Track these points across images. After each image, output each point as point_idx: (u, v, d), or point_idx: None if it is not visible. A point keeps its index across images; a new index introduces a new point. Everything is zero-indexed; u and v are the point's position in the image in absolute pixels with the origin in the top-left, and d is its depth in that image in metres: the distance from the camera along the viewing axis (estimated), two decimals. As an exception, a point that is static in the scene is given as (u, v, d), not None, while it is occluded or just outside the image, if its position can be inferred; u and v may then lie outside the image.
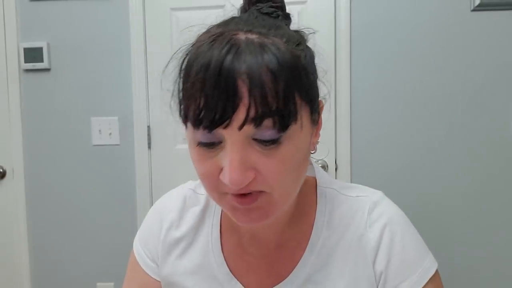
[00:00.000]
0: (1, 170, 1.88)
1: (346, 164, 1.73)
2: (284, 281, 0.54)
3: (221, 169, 0.43)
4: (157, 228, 0.60)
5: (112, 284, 1.86)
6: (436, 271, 0.54)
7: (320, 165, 1.70)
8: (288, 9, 0.55)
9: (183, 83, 0.44)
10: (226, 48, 0.41)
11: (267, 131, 0.41)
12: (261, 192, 0.44)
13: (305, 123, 0.45)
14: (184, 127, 0.47)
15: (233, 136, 0.41)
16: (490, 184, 1.69)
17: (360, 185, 0.61)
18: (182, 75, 0.45)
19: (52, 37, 1.84)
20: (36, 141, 1.87)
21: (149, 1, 1.79)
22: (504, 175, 1.68)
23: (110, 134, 1.83)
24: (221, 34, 0.43)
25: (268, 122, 0.40)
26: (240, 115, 0.39)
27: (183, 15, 1.76)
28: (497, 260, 1.69)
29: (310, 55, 0.49)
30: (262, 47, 0.42)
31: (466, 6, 1.66)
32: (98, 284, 1.87)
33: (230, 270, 0.56)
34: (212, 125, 0.40)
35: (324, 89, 0.52)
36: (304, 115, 0.45)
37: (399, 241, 0.53)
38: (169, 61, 0.47)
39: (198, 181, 0.63)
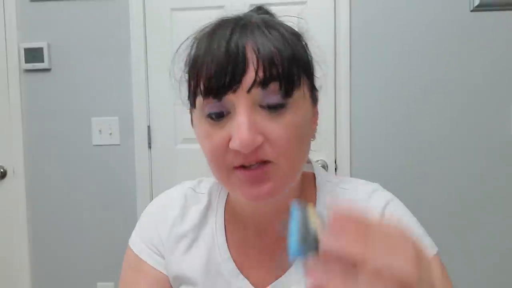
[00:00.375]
0: (1, 170, 1.88)
1: (346, 164, 1.73)
2: (287, 272, 0.54)
3: (230, 139, 0.45)
4: (162, 224, 0.60)
5: (112, 284, 1.86)
6: (438, 254, 0.55)
7: (320, 165, 1.70)
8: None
9: (194, 60, 0.48)
10: (233, 24, 0.47)
11: (274, 95, 0.45)
12: (268, 164, 0.46)
13: (306, 96, 0.50)
14: (191, 111, 0.52)
15: (242, 100, 0.44)
16: (490, 184, 1.69)
17: (356, 178, 0.62)
18: (192, 53, 0.49)
19: (53, 37, 1.84)
20: (37, 141, 1.88)
21: (149, 1, 1.79)
22: (504, 175, 1.68)
23: (111, 134, 1.83)
24: (226, 18, 0.49)
25: (274, 86, 0.45)
26: (248, 78, 0.44)
27: (183, 15, 1.76)
28: (497, 260, 1.69)
29: (306, 42, 0.54)
30: (266, 22, 0.49)
31: (465, 6, 1.66)
32: (98, 284, 1.87)
33: (236, 266, 0.56)
34: (222, 90, 0.44)
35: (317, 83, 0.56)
36: (305, 87, 0.49)
37: (399, 217, 0.55)
38: (178, 48, 0.52)
39: (196, 181, 0.65)
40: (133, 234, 0.63)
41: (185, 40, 0.52)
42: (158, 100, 1.81)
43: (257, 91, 0.45)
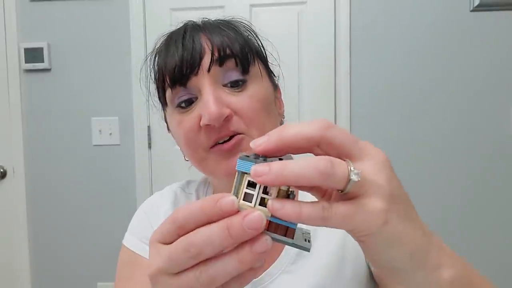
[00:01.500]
0: (1, 170, 1.88)
1: (346, 164, 1.73)
2: (275, 262, 0.56)
3: (200, 119, 0.49)
4: (155, 218, 0.62)
5: (112, 284, 1.86)
6: None
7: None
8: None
9: (158, 65, 0.54)
10: (185, 26, 0.54)
11: (233, 72, 0.50)
12: (241, 135, 0.50)
13: (263, 75, 0.55)
14: (164, 115, 0.58)
15: (205, 80, 0.49)
16: (490, 184, 1.69)
17: None
18: (155, 63, 0.55)
19: (53, 37, 1.84)
20: (37, 141, 1.88)
21: (149, 1, 1.79)
22: (504, 175, 1.68)
23: (111, 134, 1.83)
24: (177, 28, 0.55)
25: (231, 63, 0.50)
26: (206, 59, 0.49)
27: (183, 15, 1.76)
28: (497, 260, 1.69)
29: (256, 35, 0.59)
30: (217, 21, 0.55)
31: (465, 6, 1.66)
32: (98, 284, 1.87)
33: None
34: (186, 76, 0.49)
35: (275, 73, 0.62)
36: (260, 67, 0.55)
37: None
38: (142, 63, 0.61)
39: (185, 181, 0.68)
40: (126, 234, 0.64)
41: (147, 57, 0.59)
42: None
43: (216, 70, 0.50)
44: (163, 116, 0.60)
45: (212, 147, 0.50)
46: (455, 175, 1.70)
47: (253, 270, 0.28)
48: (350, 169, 0.26)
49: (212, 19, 0.56)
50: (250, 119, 0.50)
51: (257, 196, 0.27)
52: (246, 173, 0.27)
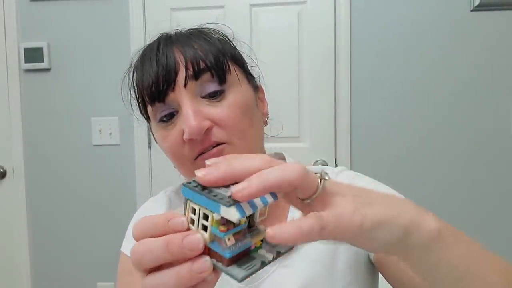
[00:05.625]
0: (1, 170, 1.88)
1: (346, 164, 1.73)
2: None
3: (183, 133, 0.50)
4: None
5: (112, 284, 1.86)
6: None
7: (320, 164, 1.70)
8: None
9: (136, 82, 0.55)
10: (158, 39, 0.55)
11: (210, 85, 0.51)
12: (223, 146, 0.50)
13: (242, 80, 0.55)
14: (150, 128, 0.59)
15: (183, 95, 0.50)
16: (490, 184, 1.69)
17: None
18: (133, 74, 0.56)
19: (52, 37, 1.84)
20: (37, 141, 1.88)
21: (149, 1, 1.79)
22: (504, 175, 1.68)
23: (110, 134, 1.83)
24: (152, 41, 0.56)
25: (207, 76, 0.50)
26: (181, 75, 0.50)
27: (183, 15, 1.76)
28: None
29: (230, 40, 0.59)
30: (190, 32, 0.56)
31: (465, 6, 1.66)
32: (98, 284, 1.87)
33: None
34: (163, 92, 0.50)
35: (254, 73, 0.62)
36: (238, 73, 0.55)
37: (369, 183, 0.60)
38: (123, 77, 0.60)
39: (179, 185, 0.68)
40: (124, 241, 0.65)
41: (126, 73, 0.59)
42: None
43: (193, 84, 0.50)
44: (149, 128, 0.61)
45: (197, 158, 0.51)
46: (455, 175, 1.70)
47: (206, 282, 0.29)
48: (319, 171, 0.29)
49: (185, 30, 0.57)
50: (231, 128, 0.50)
51: (198, 220, 0.28)
52: (189, 199, 0.29)
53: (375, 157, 1.73)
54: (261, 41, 1.73)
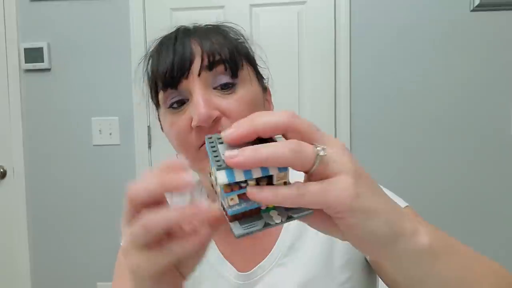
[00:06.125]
0: (1, 170, 1.88)
1: (346, 164, 1.72)
2: (268, 255, 0.59)
3: (191, 121, 0.51)
4: None
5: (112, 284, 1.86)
6: (409, 206, 0.58)
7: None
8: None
9: (150, 69, 0.56)
10: (176, 31, 0.56)
11: (222, 77, 0.52)
12: None
13: (253, 79, 0.57)
14: (158, 116, 0.61)
15: (195, 84, 0.51)
16: (490, 184, 1.69)
17: None
18: (148, 66, 0.58)
19: (53, 37, 1.84)
20: (37, 141, 1.88)
21: (149, 1, 1.79)
22: (504, 175, 1.68)
23: (111, 134, 1.83)
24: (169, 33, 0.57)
25: (220, 68, 0.52)
26: (196, 64, 0.51)
27: (183, 15, 1.76)
28: (497, 260, 1.69)
29: (246, 40, 0.61)
30: (207, 27, 0.58)
31: (465, 6, 1.66)
32: (98, 284, 1.87)
33: (221, 252, 0.61)
34: (177, 79, 0.51)
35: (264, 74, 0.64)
36: (249, 71, 0.57)
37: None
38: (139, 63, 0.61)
39: None
40: (123, 236, 0.64)
41: (141, 60, 0.61)
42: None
43: (206, 74, 0.52)
44: (157, 116, 0.62)
45: (201, 146, 0.52)
46: (455, 174, 1.70)
47: (197, 234, 0.31)
48: (317, 147, 0.29)
49: (203, 24, 0.59)
50: (239, 118, 0.51)
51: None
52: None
53: (375, 157, 1.73)
54: (261, 41, 1.72)
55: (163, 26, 0.62)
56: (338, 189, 0.28)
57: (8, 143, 1.88)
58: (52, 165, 1.87)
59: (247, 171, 0.28)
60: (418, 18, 1.68)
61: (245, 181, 0.28)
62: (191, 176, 0.30)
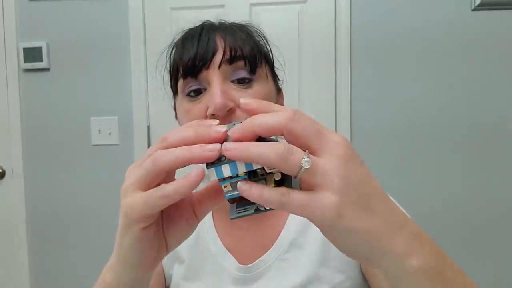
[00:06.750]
0: (0, 170, 1.88)
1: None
2: (270, 249, 0.61)
3: (207, 110, 0.53)
4: None
5: (111, 284, 1.85)
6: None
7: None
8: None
9: (174, 57, 0.59)
10: (202, 24, 0.60)
11: (241, 71, 0.55)
12: None
13: (269, 78, 0.60)
14: (174, 103, 0.63)
15: (214, 75, 0.54)
16: (490, 184, 1.68)
17: None
18: (171, 55, 0.60)
19: (52, 37, 1.83)
20: (36, 141, 1.87)
21: (149, 1, 1.78)
22: (504, 175, 1.67)
23: (110, 134, 1.83)
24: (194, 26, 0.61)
25: (240, 63, 0.55)
26: (218, 57, 0.54)
27: (183, 14, 1.76)
28: (496, 260, 1.69)
29: (267, 40, 0.64)
30: (231, 24, 0.61)
31: (466, 6, 1.66)
32: (98, 284, 1.87)
33: (223, 244, 0.63)
34: (197, 68, 0.54)
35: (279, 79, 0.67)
36: (267, 70, 0.60)
37: None
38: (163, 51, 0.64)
39: None
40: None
41: (164, 49, 0.63)
42: (158, 100, 1.80)
43: (226, 67, 0.55)
44: (173, 105, 0.64)
45: None
46: (455, 174, 1.69)
47: (191, 175, 0.31)
48: (304, 157, 0.29)
49: (228, 22, 0.62)
50: (251, 112, 0.54)
51: None
52: None
53: (376, 157, 1.72)
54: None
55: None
56: (320, 206, 0.29)
57: (6, 143, 1.87)
58: (51, 165, 1.87)
59: (233, 168, 0.31)
60: (418, 17, 1.68)
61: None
62: (223, 127, 0.32)
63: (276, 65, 0.65)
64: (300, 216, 0.30)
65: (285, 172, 0.30)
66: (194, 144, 0.31)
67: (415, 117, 1.70)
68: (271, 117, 0.30)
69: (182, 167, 0.32)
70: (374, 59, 1.71)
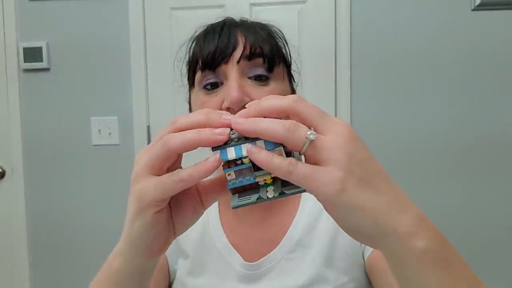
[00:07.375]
0: (0, 170, 1.87)
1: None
2: (275, 248, 0.61)
3: (223, 102, 0.54)
4: None
5: (111, 284, 1.85)
6: None
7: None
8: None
9: (194, 49, 0.60)
10: (224, 20, 0.61)
11: (258, 68, 0.56)
12: None
13: (285, 78, 0.61)
14: (190, 95, 0.63)
15: (233, 69, 0.55)
16: (490, 184, 1.68)
17: None
18: (191, 47, 0.61)
19: (52, 37, 1.83)
20: (36, 141, 1.87)
21: (149, 1, 1.78)
22: (504, 175, 1.68)
23: (110, 134, 1.83)
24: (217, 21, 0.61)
25: (259, 60, 0.56)
26: (237, 52, 0.55)
27: (183, 14, 1.76)
28: (496, 260, 1.69)
29: (286, 41, 0.65)
30: (253, 21, 0.62)
31: (466, 6, 1.66)
32: (98, 284, 1.87)
33: (229, 241, 0.63)
34: (216, 62, 0.55)
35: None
36: (284, 71, 0.61)
37: None
38: (179, 48, 0.64)
39: None
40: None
41: (185, 42, 0.63)
42: (158, 100, 1.80)
43: (244, 63, 0.55)
44: (188, 98, 0.65)
45: None
46: (455, 174, 1.70)
47: (207, 161, 0.32)
48: (309, 131, 0.30)
49: (250, 20, 0.63)
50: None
51: None
52: None
53: (376, 157, 1.72)
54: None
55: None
56: (324, 179, 0.29)
57: (7, 142, 1.87)
58: (51, 165, 1.87)
59: (237, 150, 0.32)
60: (418, 17, 1.68)
61: (240, 159, 0.32)
62: (232, 116, 0.33)
63: (293, 67, 0.66)
64: (302, 186, 0.30)
65: (291, 147, 0.31)
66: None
67: (415, 117, 1.70)
68: (277, 99, 0.32)
69: (192, 149, 0.32)
70: (374, 59, 1.71)
